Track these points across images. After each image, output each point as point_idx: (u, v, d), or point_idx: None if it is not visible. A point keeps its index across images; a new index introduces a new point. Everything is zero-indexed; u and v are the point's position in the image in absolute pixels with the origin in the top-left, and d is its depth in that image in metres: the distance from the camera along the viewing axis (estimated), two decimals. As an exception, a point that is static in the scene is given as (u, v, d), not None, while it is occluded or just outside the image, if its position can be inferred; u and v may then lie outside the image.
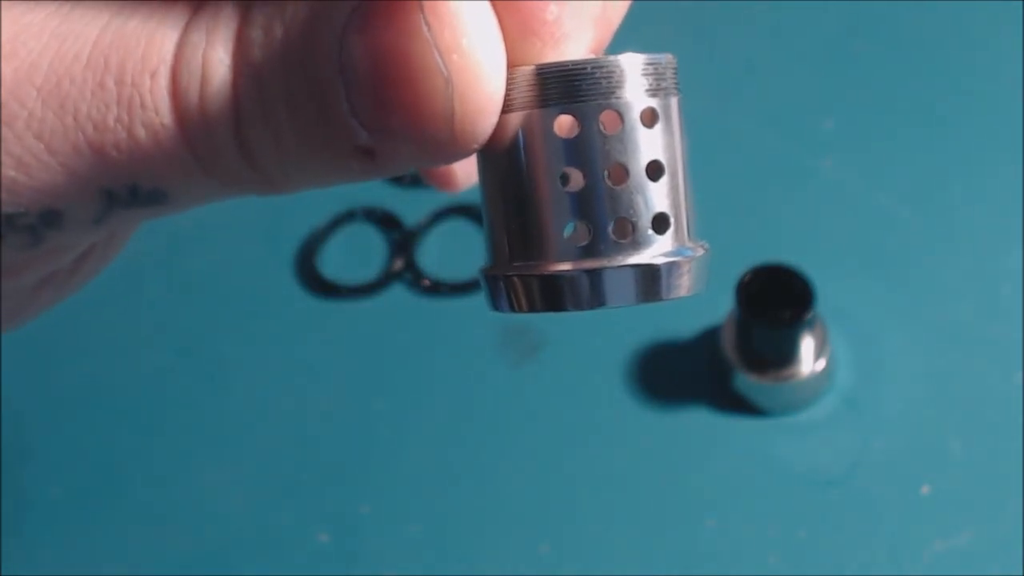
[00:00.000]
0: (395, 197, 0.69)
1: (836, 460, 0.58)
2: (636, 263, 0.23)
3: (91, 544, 0.60)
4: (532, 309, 0.24)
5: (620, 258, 0.23)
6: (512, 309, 0.24)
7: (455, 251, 0.67)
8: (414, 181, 0.69)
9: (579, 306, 0.23)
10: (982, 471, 0.57)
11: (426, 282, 0.66)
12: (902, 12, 0.73)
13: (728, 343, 0.59)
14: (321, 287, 0.67)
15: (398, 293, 0.66)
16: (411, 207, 0.68)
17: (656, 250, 0.23)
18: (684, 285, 0.24)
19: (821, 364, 0.58)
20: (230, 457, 0.62)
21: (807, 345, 0.58)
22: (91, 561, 0.59)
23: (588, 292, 0.23)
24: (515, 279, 0.24)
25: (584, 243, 0.23)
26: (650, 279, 0.23)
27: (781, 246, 0.63)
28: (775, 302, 0.57)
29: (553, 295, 0.24)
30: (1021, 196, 0.64)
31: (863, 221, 0.65)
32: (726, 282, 0.57)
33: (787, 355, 0.58)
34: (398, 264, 0.67)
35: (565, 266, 0.23)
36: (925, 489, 0.57)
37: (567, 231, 0.23)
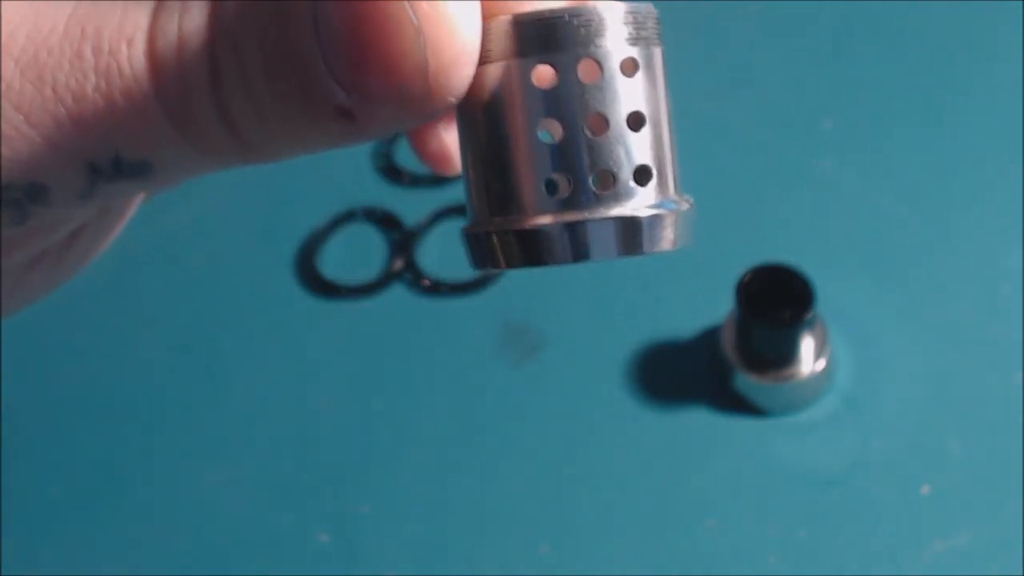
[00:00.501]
0: (395, 197, 0.69)
1: (836, 460, 0.58)
2: (617, 215, 0.23)
3: (91, 544, 0.60)
4: (511, 265, 0.24)
5: (601, 210, 0.23)
6: (492, 265, 0.24)
7: (455, 251, 0.66)
8: (414, 181, 0.69)
9: (559, 260, 0.23)
10: (982, 471, 0.57)
11: (426, 282, 0.66)
12: (901, 12, 0.73)
13: (728, 343, 0.59)
14: (321, 287, 0.67)
15: (398, 293, 0.66)
16: (411, 207, 0.68)
17: (638, 202, 0.23)
18: (667, 238, 0.23)
19: (821, 364, 0.58)
20: (230, 457, 0.62)
21: (807, 345, 0.58)
22: (91, 561, 0.59)
23: (568, 245, 0.23)
24: (494, 235, 0.24)
25: (564, 196, 0.23)
26: (632, 231, 0.23)
27: (781, 246, 0.63)
28: (775, 302, 0.57)
29: (532, 249, 0.23)
30: (1021, 196, 0.64)
31: (863, 221, 0.65)
32: (726, 282, 0.57)
33: (787, 355, 0.58)
34: (398, 264, 0.67)
35: (545, 220, 0.23)
36: (925, 489, 0.57)
37: (547, 184, 0.23)
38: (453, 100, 0.23)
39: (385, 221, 0.68)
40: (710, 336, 0.61)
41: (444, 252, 0.67)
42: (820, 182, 0.67)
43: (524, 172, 0.23)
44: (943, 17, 0.72)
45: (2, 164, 0.23)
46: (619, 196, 0.23)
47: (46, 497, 0.61)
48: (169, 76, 0.23)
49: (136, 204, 0.30)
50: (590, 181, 0.23)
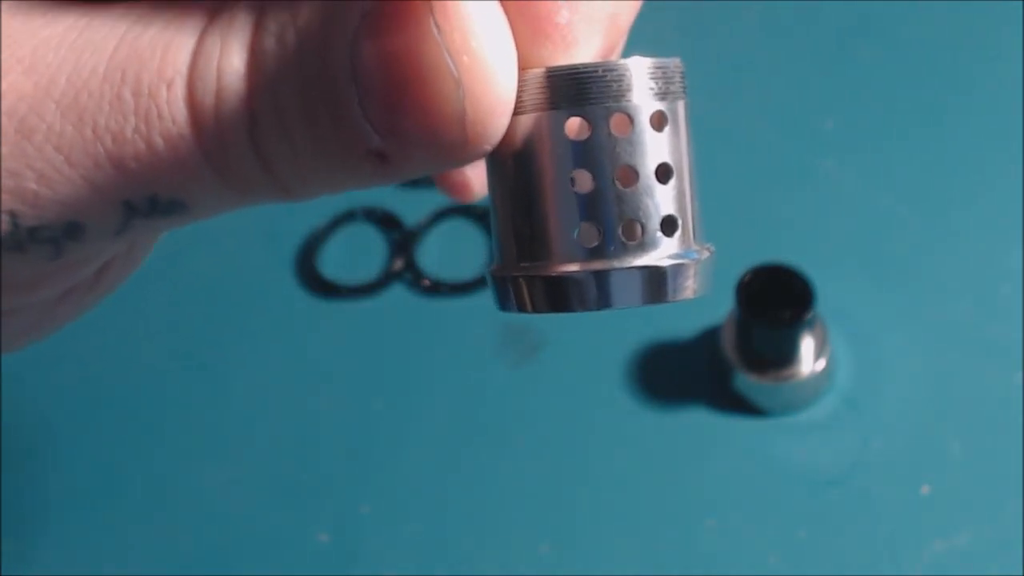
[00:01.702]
0: (395, 197, 0.69)
1: (836, 460, 0.58)
2: (643, 265, 0.23)
3: (91, 544, 0.60)
4: (538, 310, 0.24)
5: (628, 260, 0.23)
6: (519, 309, 0.24)
7: (455, 251, 0.67)
8: (414, 182, 0.69)
9: (585, 307, 0.24)
10: (982, 471, 0.57)
11: (426, 282, 0.66)
12: (902, 12, 0.73)
13: (728, 343, 0.59)
14: (321, 287, 0.67)
15: (398, 293, 0.66)
16: (411, 207, 0.68)
17: (663, 252, 0.24)
18: (690, 287, 0.24)
19: (821, 364, 0.58)
20: (230, 457, 0.62)
21: (807, 345, 0.58)
22: (91, 561, 0.59)
23: (594, 293, 0.23)
24: (522, 280, 0.24)
25: (592, 245, 0.23)
26: (657, 281, 0.24)
27: (781, 246, 0.63)
28: (775, 302, 0.57)
29: (559, 296, 0.24)
30: (1021, 196, 0.64)
31: (863, 221, 0.65)
32: (726, 282, 0.57)
33: (787, 355, 0.58)
34: (398, 264, 0.67)
35: (572, 267, 0.23)
36: (925, 489, 0.57)
37: (575, 232, 0.24)
38: (488, 148, 0.23)
39: (385, 221, 0.68)
40: (710, 336, 0.61)
41: (444, 252, 0.67)
42: (821, 182, 0.67)
43: (553, 220, 0.24)
44: (944, 17, 0.72)
45: (44, 204, 0.23)
46: (645, 246, 0.23)
47: (46, 497, 0.61)
48: (208, 122, 0.23)
49: (162, 234, 0.30)
50: (618, 231, 0.23)
